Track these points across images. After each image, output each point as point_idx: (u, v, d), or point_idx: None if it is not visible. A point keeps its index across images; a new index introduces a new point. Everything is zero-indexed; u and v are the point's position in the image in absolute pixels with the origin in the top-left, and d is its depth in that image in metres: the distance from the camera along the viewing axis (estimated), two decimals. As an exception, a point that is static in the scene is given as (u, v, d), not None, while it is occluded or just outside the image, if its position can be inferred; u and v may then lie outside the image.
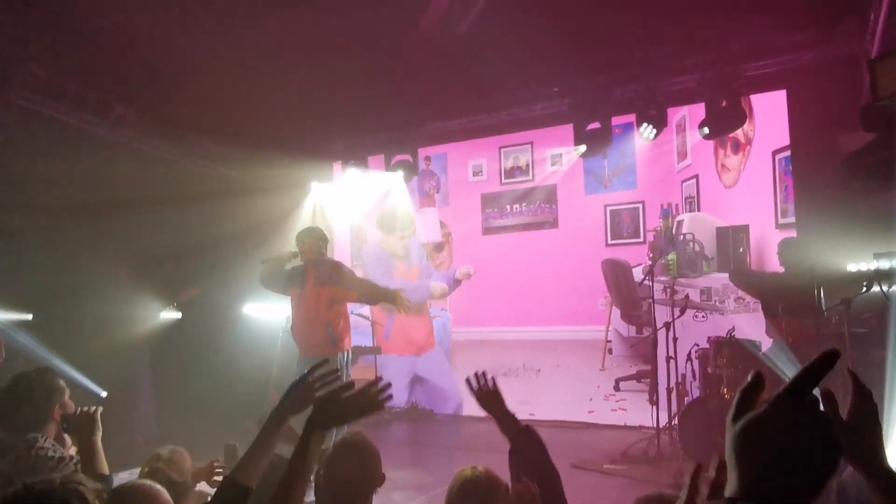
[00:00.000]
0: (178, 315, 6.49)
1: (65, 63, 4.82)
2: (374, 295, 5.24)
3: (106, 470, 2.13)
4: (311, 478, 2.63)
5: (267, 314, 6.77)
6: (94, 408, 2.20)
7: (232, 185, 6.84)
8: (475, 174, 7.27)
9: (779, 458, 0.74)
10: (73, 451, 2.40)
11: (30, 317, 5.28)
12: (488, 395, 2.13)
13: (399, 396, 5.54)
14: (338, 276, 4.93)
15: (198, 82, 5.44)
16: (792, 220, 5.55)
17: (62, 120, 5.07)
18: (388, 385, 1.55)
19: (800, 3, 4.81)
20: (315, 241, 4.92)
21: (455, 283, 5.11)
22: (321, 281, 4.85)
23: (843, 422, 1.16)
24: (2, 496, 1.54)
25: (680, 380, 5.25)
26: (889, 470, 1.11)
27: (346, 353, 4.99)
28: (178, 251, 6.49)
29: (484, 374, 2.16)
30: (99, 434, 2.18)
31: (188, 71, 5.16)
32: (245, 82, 5.49)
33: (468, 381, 2.17)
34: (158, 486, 1.88)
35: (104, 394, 4.73)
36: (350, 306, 7.10)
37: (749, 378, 0.80)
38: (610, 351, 6.60)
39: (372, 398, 1.51)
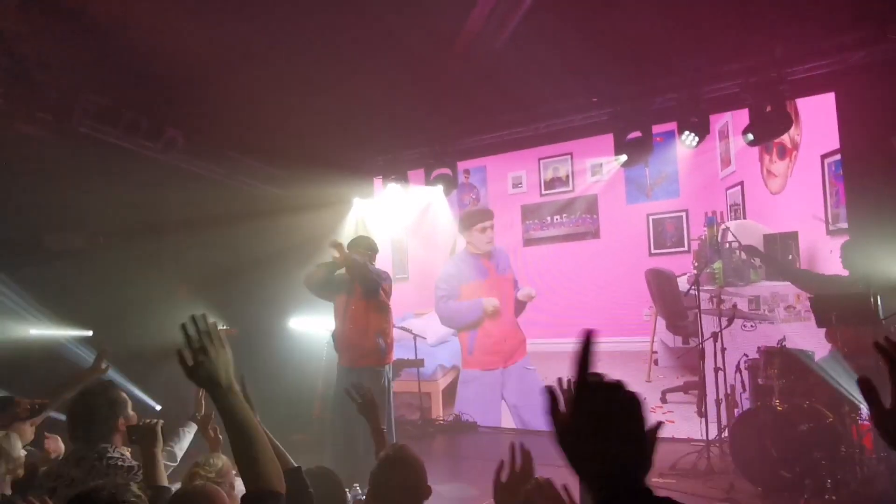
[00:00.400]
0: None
1: (118, 90, 5.06)
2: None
3: (165, 482, 2.22)
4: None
5: (312, 328, 6.90)
6: (156, 421, 2.30)
7: (277, 203, 7.03)
8: (515, 186, 7.28)
9: (602, 444, 0.79)
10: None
11: (90, 333, 5.51)
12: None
13: (492, 418, 5.00)
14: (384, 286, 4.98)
15: (242, 104, 5.62)
16: (843, 225, 5.37)
17: (117, 144, 5.30)
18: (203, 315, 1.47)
19: (846, 3, 4.69)
20: (367, 249, 5.01)
21: (518, 304, 4.98)
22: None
23: (885, 409, 1.14)
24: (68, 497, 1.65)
25: (729, 391, 5.13)
26: None
27: (390, 367, 5.03)
28: (227, 268, 6.70)
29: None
30: (160, 446, 2.27)
31: (233, 93, 5.34)
32: (287, 102, 5.66)
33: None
34: (217, 488, 1.95)
35: (159, 407, 4.88)
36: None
37: (547, 397, 0.87)
38: (656, 362, 6.48)
39: (202, 328, 1.42)
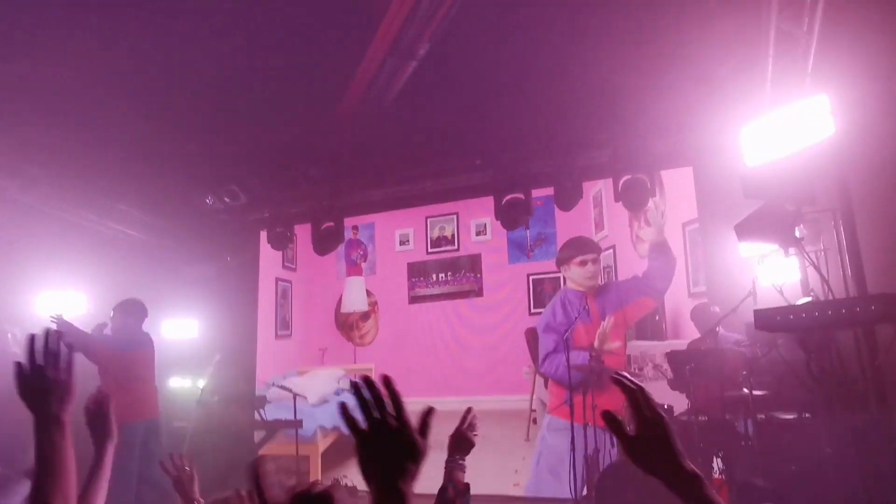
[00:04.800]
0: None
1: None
2: None
3: None
4: None
5: (182, 384, 6.47)
6: None
7: (155, 252, 6.72)
8: (402, 243, 7.33)
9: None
10: None
11: None
12: None
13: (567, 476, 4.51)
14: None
15: (116, 152, 5.42)
16: (703, 289, 5.74)
17: None
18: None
19: (693, 88, 5.15)
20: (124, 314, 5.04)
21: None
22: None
23: (630, 437, 1.17)
24: None
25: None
26: (688, 473, 1.12)
27: (136, 425, 4.88)
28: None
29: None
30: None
31: (104, 139, 5.15)
32: (164, 151, 5.51)
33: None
34: None
35: None
36: (272, 377, 6.92)
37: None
38: (534, 421, 6.51)
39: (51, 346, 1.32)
